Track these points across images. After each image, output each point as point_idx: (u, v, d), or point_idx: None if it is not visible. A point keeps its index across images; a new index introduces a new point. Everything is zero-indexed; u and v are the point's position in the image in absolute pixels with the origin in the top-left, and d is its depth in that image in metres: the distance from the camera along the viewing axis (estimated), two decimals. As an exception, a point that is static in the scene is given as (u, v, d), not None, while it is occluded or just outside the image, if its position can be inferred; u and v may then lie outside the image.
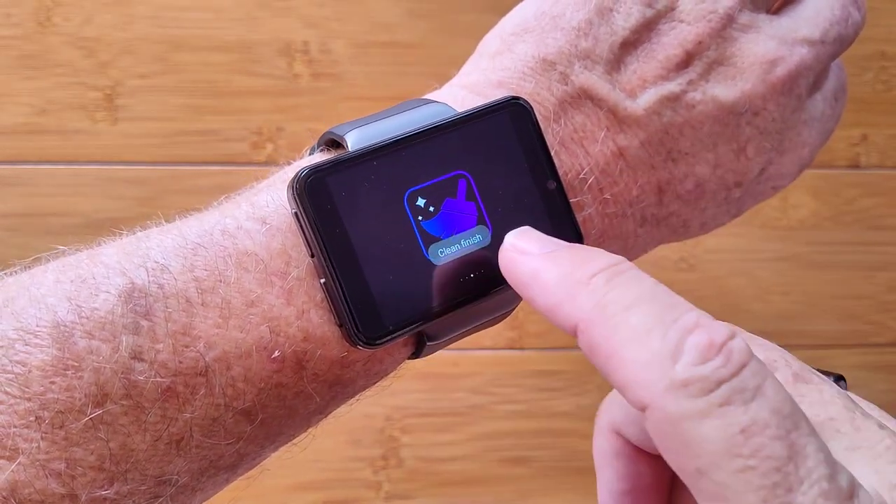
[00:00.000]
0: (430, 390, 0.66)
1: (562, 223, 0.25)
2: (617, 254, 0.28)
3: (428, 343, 0.25)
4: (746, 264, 0.68)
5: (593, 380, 0.67)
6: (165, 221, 0.24)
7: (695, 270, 0.68)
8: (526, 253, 0.21)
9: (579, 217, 0.26)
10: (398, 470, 0.65)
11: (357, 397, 0.26)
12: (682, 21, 0.27)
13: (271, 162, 0.65)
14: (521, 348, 0.67)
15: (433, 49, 0.65)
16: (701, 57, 0.27)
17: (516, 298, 0.26)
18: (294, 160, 0.26)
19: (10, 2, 0.64)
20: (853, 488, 0.16)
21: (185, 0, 0.65)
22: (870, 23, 0.75)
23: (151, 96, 0.65)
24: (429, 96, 0.27)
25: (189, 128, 0.65)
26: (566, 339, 0.68)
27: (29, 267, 0.23)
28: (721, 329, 0.17)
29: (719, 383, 0.16)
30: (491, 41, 0.28)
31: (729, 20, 0.27)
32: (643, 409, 0.17)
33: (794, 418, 0.16)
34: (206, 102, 0.65)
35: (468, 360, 0.67)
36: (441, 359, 0.68)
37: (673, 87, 0.26)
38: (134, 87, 0.65)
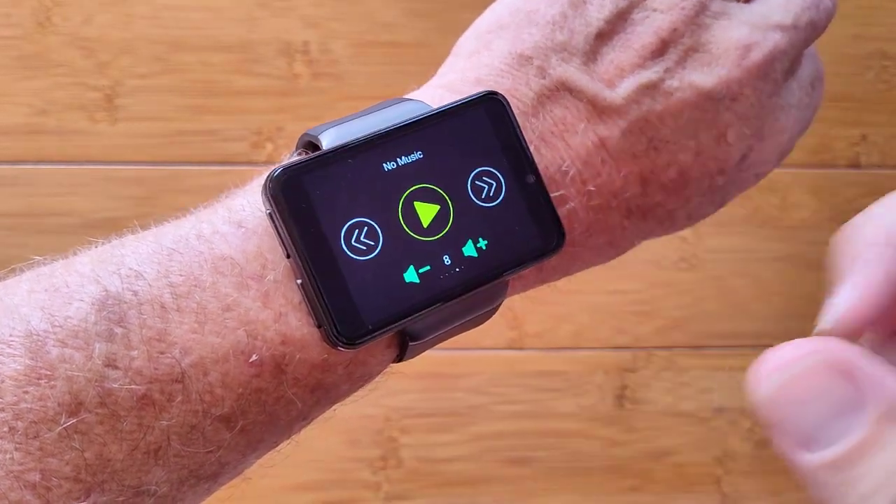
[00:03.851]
0: (430, 390, 0.66)
1: (542, 217, 0.25)
2: (604, 248, 0.28)
3: (411, 343, 0.24)
4: (747, 264, 0.68)
5: (593, 380, 0.67)
6: (142, 228, 0.24)
7: (695, 270, 0.68)
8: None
9: (563, 211, 0.26)
10: (397, 470, 0.65)
11: (343, 401, 0.25)
12: (655, 10, 0.27)
13: (271, 162, 0.65)
14: (521, 348, 0.67)
15: (433, 49, 0.65)
16: (676, 45, 0.27)
17: (498, 296, 0.26)
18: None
19: (9, 2, 0.64)
20: None
21: (184, 0, 0.65)
22: (870, 22, 0.75)
23: (151, 96, 0.65)
24: (407, 96, 0.27)
25: (189, 128, 0.65)
26: (566, 339, 0.68)
27: (3, 278, 0.23)
28: None
29: None
30: (467, 41, 0.28)
31: (701, 8, 0.27)
32: None
33: None
34: (206, 102, 0.65)
35: (468, 359, 0.67)
36: (440, 359, 0.68)
37: (650, 74, 0.27)
38: (134, 87, 0.64)
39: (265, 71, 0.65)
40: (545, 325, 0.67)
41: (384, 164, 0.23)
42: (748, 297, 0.68)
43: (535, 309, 0.67)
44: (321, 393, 0.24)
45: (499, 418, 0.66)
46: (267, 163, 0.65)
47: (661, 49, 0.27)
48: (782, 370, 0.17)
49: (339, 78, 0.66)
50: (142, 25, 0.64)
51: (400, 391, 0.66)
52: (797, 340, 0.17)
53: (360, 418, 0.65)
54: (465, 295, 0.24)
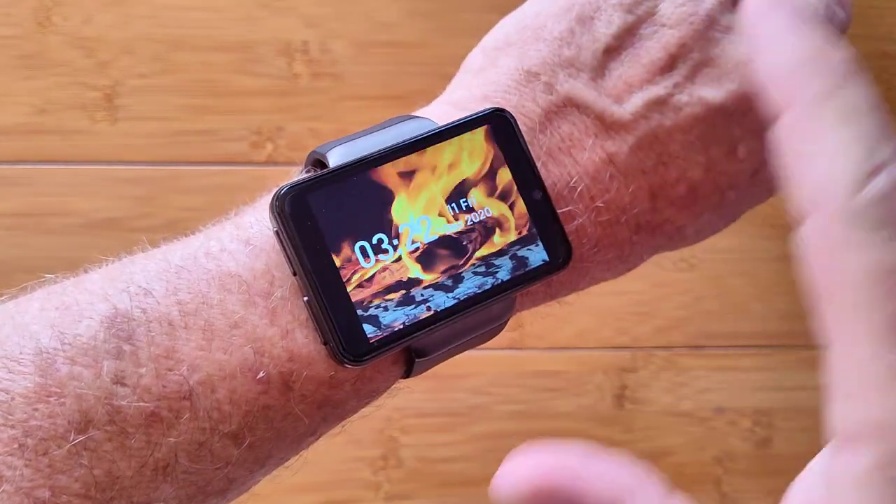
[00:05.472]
0: (430, 390, 0.66)
1: (550, 233, 0.25)
2: (613, 263, 0.28)
3: (417, 360, 0.25)
4: (746, 264, 0.68)
5: (593, 380, 0.67)
6: (150, 246, 0.24)
7: (695, 270, 0.68)
8: (774, 12, 0.18)
9: (571, 227, 0.25)
10: (398, 470, 0.65)
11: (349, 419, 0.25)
12: (663, 25, 0.27)
13: (271, 162, 0.65)
14: (522, 348, 0.67)
15: (433, 48, 0.65)
16: (685, 60, 0.27)
17: (505, 312, 0.26)
18: (293, 164, 0.26)
19: (9, 1, 0.64)
20: None
21: (184, 0, 0.65)
22: (870, 22, 0.75)
23: (151, 96, 0.65)
24: (414, 113, 0.27)
25: (189, 128, 0.65)
26: (567, 339, 0.68)
27: (16, 296, 0.23)
28: None
29: (888, 224, 0.16)
30: (474, 57, 0.28)
31: (710, 22, 0.27)
32: (805, 214, 0.17)
33: None
34: (206, 102, 0.65)
35: (468, 360, 0.67)
36: (441, 359, 0.68)
37: (659, 90, 0.26)
38: (134, 87, 0.64)
39: (265, 71, 0.65)
40: (546, 325, 0.67)
41: None
42: (748, 297, 0.68)
43: (535, 310, 0.67)
44: (328, 409, 0.24)
45: (499, 418, 0.66)
46: (267, 163, 0.65)
47: (669, 64, 0.27)
48: None
49: (339, 78, 0.66)
50: (142, 25, 0.64)
51: (400, 391, 0.66)
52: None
53: (361, 418, 0.65)
54: (471, 311, 0.24)
